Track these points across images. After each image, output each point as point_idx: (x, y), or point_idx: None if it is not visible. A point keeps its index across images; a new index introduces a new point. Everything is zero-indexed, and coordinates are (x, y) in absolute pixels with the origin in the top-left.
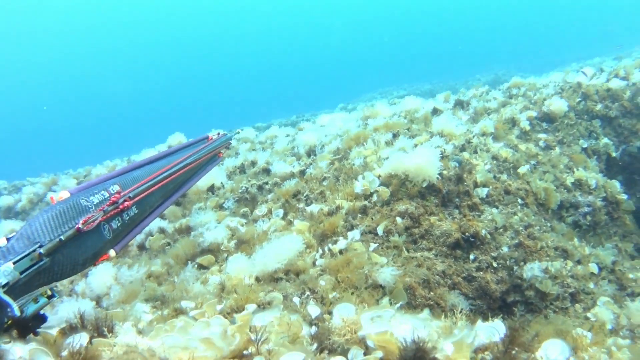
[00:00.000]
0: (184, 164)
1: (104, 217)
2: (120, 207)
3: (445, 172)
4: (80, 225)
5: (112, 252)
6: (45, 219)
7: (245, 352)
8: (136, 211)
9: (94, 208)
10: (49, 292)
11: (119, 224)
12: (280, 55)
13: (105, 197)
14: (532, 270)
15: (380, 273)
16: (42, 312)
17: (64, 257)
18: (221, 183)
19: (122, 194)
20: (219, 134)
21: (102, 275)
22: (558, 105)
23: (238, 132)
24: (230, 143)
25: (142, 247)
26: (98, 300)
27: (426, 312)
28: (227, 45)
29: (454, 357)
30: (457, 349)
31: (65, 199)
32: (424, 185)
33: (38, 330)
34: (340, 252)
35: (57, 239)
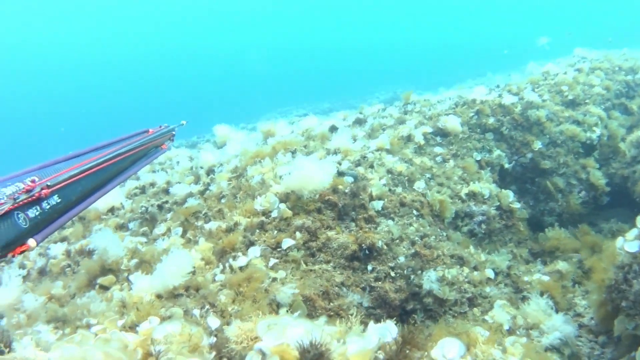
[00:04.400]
0: (116, 154)
1: (15, 205)
2: (36, 195)
3: (340, 187)
4: None
5: (31, 242)
6: None
7: None
8: (59, 200)
9: (5, 199)
10: None
11: (37, 213)
12: (181, 72)
13: (20, 187)
14: (429, 280)
15: (280, 292)
16: None
17: None
18: (121, 204)
19: (37, 182)
20: (160, 127)
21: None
22: (453, 123)
23: (182, 124)
24: (174, 135)
25: (42, 271)
26: None
27: (322, 319)
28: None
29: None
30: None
31: None
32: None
33: None
34: (241, 268)
35: None
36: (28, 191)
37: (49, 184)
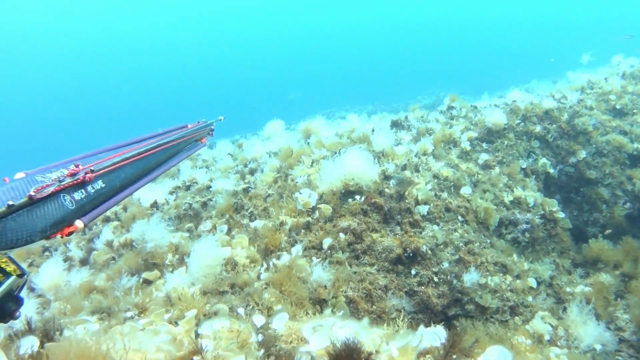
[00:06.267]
0: (157, 145)
1: (61, 187)
2: (81, 178)
3: (387, 189)
4: (32, 193)
5: (79, 223)
6: None
7: (194, 358)
8: (103, 185)
9: (50, 181)
10: (18, 271)
11: (82, 196)
12: (223, 76)
13: (64, 172)
14: (470, 278)
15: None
16: (17, 294)
17: (17, 224)
18: (165, 199)
19: (81, 167)
20: (198, 122)
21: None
22: (498, 118)
23: (220, 120)
24: (213, 129)
25: (85, 261)
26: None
27: (365, 320)
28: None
29: None
30: (402, 353)
31: (20, 178)
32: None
33: (17, 313)
34: (283, 266)
35: (6, 204)
36: (72, 175)
37: (92, 168)
